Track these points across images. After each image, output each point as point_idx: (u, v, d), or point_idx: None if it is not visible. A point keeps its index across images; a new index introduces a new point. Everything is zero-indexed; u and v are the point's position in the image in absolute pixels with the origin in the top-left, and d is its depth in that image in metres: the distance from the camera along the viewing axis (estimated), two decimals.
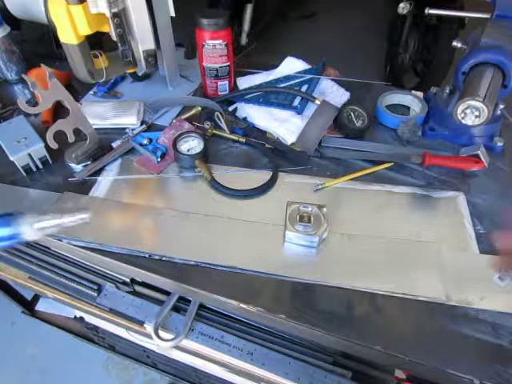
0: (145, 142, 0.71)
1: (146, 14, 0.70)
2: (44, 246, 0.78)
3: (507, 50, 0.63)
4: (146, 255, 0.57)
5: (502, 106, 0.70)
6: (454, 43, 0.74)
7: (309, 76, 0.85)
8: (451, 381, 0.47)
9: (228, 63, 0.80)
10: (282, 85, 0.84)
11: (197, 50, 0.79)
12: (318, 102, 0.77)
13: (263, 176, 0.67)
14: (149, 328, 0.72)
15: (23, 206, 0.63)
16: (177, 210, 0.63)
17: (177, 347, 0.74)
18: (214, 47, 0.76)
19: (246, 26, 2.17)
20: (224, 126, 0.75)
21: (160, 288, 0.70)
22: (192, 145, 0.70)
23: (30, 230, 0.25)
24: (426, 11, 0.77)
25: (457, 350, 0.48)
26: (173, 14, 0.75)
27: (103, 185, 0.67)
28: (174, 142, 0.69)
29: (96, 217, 0.53)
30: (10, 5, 0.81)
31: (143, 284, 0.75)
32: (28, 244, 0.80)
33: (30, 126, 0.69)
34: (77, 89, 0.87)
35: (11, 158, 0.65)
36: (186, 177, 0.69)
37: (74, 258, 0.76)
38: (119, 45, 0.73)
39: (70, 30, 0.66)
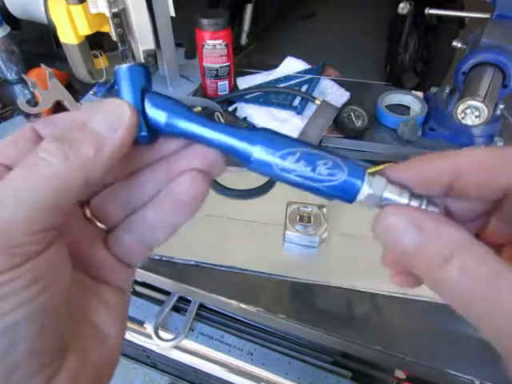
0: None
1: (146, 14, 0.70)
2: None
3: (507, 49, 0.63)
4: None
5: (501, 106, 0.70)
6: (454, 43, 0.74)
7: (309, 76, 0.85)
8: (451, 381, 0.47)
9: (228, 63, 0.80)
10: (282, 85, 0.84)
11: (197, 50, 0.79)
12: (318, 101, 0.77)
13: (263, 176, 0.67)
14: (149, 328, 0.72)
15: None
16: None
17: (177, 347, 0.74)
18: (214, 47, 0.76)
19: (246, 26, 2.17)
20: None
21: (160, 288, 0.70)
22: None
23: (371, 194, 0.19)
24: (426, 11, 0.77)
25: (457, 350, 0.48)
26: (173, 14, 0.75)
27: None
28: None
29: None
30: (10, 5, 0.81)
31: (143, 284, 0.75)
32: None
33: None
34: (77, 89, 0.87)
35: None
36: None
37: None
38: (119, 45, 0.73)
39: (70, 30, 0.66)
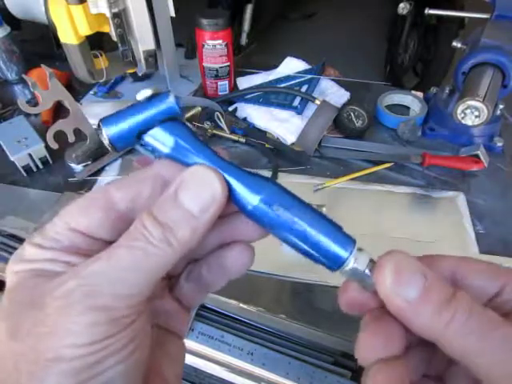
0: None
1: (146, 14, 0.70)
2: None
3: (507, 50, 0.63)
4: None
5: (501, 106, 0.70)
6: (454, 43, 0.74)
7: (309, 76, 0.85)
8: None
9: (228, 63, 0.80)
10: (282, 85, 0.84)
11: (197, 50, 0.79)
12: (318, 102, 0.77)
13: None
14: None
15: (23, 206, 0.63)
16: None
17: None
18: (213, 47, 0.76)
19: (246, 26, 2.17)
20: (224, 126, 0.75)
21: None
22: None
23: (355, 267, 0.21)
24: (426, 11, 0.77)
25: None
26: (173, 14, 0.75)
27: (103, 185, 0.67)
28: None
29: None
30: (10, 5, 0.81)
31: None
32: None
33: (31, 126, 0.69)
34: (77, 89, 0.87)
35: (11, 158, 0.65)
36: None
37: None
38: (119, 45, 0.73)
39: (70, 30, 0.66)
